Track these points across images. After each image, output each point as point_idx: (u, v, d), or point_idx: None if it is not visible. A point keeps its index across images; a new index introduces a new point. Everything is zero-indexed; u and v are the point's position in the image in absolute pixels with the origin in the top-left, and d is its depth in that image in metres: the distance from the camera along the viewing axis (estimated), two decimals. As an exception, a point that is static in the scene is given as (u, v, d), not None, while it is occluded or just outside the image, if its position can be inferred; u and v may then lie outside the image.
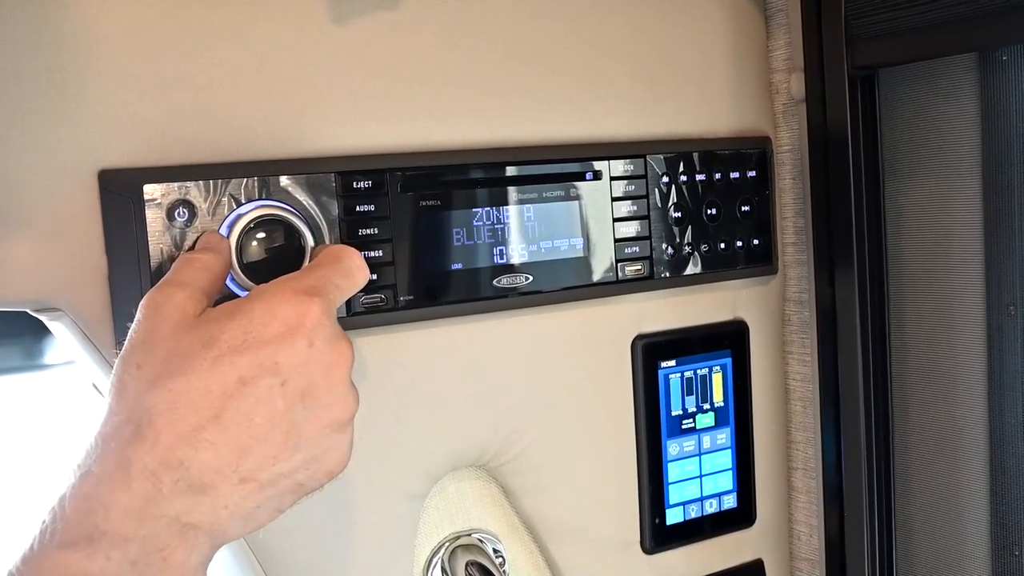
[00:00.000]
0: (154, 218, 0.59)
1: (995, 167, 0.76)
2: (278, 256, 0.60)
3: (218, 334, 0.48)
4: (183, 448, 0.45)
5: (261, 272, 0.59)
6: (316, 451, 0.50)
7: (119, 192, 0.58)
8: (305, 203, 0.63)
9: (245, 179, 0.61)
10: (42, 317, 0.62)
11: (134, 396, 0.46)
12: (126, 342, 0.49)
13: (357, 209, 0.65)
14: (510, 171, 0.71)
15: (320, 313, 0.50)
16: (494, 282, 0.70)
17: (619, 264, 0.75)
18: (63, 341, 0.65)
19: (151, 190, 0.59)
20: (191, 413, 0.46)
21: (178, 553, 0.45)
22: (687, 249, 0.78)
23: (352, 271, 0.55)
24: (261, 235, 0.60)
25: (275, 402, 0.48)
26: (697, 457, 0.82)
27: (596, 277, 0.74)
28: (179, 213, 0.59)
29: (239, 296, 0.53)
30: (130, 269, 0.59)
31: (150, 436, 0.45)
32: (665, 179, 0.77)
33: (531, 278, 0.71)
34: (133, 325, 0.49)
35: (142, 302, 0.50)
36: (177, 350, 0.47)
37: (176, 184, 0.59)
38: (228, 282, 0.59)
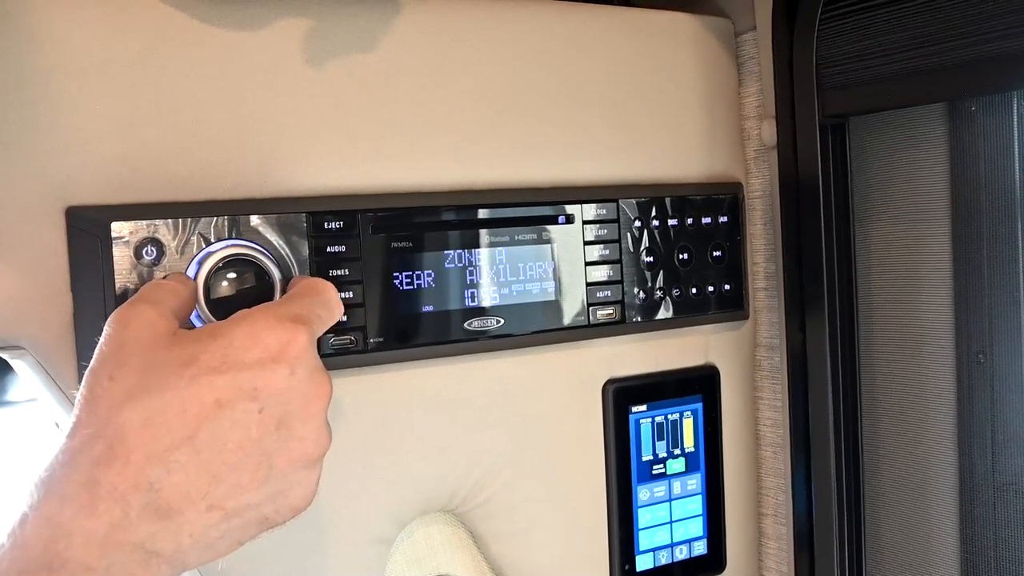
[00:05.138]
0: (121, 256, 0.58)
1: (964, 215, 0.77)
2: (246, 295, 0.59)
3: (197, 353, 0.46)
4: (154, 469, 0.44)
5: (228, 311, 0.58)
6: (284, 485, 0.48)
7: (86, 229, 0.58)
8: (275, 243, 0.62)
9: (215, 218, 0.61)
10: (4, 355, 0.61)
11: (107, 409, 0.45)
12: (95, 354, 0.47)
13: (328, 250, 0.64)
14: (482, 214, 0.71)
15: (306, 342, 0.49)
16: (465, 325, 0.70)
17: (591, 308, 0.75)
18: (26, 379, 0.64)
19: (119, 228, 0.58)
20: (165, 432, 0.44)
21: None
22: (659, 294, 0.78)
23: (331, 304, 0.54)
24: (230, 274, 0.59)
25: (250, 428, 0.46)
26: (667, 503, 0.81)
27: (567, 321, 0.74)
28: (147, 251, 0.59)
29: None
30: (95, 307, 0.58)
31: (121, 455, 0.43)
32: (637, 224, 0.77)
33: (502, 321, 0.71)
34: (101, 338, 0.48)
35: (111, 317, 0.48)
36: (153, 365, 0.46)
37: (145, 222, 0.59)
38: (194, 318, 0.58)
